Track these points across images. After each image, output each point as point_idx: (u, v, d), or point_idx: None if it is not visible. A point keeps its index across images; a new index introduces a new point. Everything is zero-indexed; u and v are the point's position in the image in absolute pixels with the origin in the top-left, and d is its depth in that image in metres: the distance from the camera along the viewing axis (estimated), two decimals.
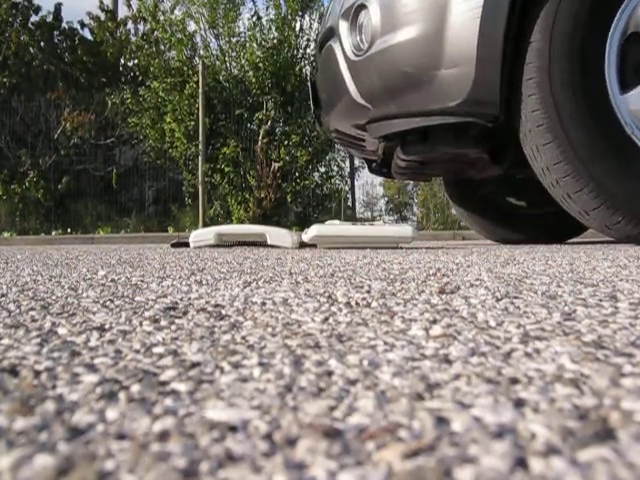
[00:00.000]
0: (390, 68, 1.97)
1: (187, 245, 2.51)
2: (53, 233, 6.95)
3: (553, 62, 1.75)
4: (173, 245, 2.66)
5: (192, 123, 7.22)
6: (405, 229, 2.16)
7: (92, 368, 0.38)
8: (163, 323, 0.54)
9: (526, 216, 3.11)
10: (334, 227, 2.24)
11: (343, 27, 2.16)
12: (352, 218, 7.54)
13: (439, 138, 2.20)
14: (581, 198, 1.80)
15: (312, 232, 2.12)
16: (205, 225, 6.54)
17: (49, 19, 8.50)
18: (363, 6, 2.05)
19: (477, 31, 1.77)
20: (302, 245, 2.28)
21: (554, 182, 1.86)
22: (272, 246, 2.35)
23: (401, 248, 2.14)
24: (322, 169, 7.87)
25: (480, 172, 2.62)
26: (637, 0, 1.75)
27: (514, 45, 1.81)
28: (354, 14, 2.10)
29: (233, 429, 0.27)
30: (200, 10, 7.75)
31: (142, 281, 0.92)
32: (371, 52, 2.02)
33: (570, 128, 1.75)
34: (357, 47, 2.10)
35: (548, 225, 3.06)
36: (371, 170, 2.94)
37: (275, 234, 2.36)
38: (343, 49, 2.16)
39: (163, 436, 0.26)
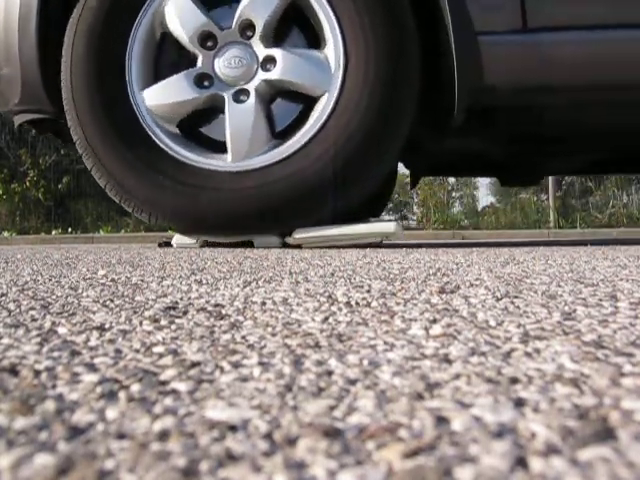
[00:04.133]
0: None
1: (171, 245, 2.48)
2: (53, 232, 6.96)
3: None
4: (160, 245, 2.62)
5: None
6: (387, 225, 2.14)
7: (92, 367, 0.38)
8: (163, 322, 0.54)
9: None
10: (315, 227, 2.21)
11: None
12: None
13: None
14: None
15: (294, 233, 2.11)
16: None
17: None
18: None
19: (17, 31, 1.80)
20: (284, 245, 2.26)
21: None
22: (255, 246, 2.33)
23: (401, 247, 2.14)
24: None
25: None
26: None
27: (57, 43, 1.83)
28: None
29: (233, 428, 0.27)
30: None
31: (142, 281, 0.92)
32: None
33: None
34: None
35: None
36: None
37: None
38: None
39: (163, 435, 0.26)
